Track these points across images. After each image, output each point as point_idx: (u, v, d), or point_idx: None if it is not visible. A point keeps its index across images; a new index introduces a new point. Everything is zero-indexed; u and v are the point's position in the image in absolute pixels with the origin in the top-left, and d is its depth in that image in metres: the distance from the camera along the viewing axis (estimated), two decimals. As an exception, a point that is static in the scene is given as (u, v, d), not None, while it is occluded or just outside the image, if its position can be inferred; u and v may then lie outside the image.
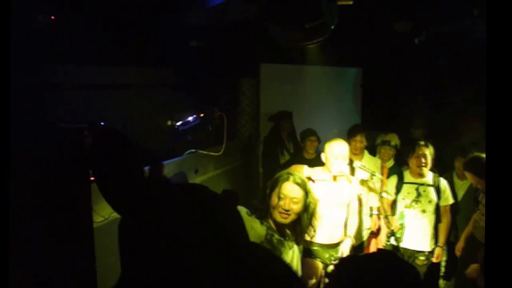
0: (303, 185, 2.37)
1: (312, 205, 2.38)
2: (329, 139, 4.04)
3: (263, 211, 2.32)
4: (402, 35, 4.37)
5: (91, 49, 4.01)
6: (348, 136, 4.23)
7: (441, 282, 4.39)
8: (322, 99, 5.81)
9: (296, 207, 2.30)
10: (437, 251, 3.93)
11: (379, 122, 5.75)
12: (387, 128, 5.46)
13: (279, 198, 2.29)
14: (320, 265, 3.36)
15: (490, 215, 1.11)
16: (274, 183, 2.38)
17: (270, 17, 2.86)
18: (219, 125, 3.52)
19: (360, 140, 4.24)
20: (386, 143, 4.49)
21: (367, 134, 5.18)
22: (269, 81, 5.70)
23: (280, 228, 2.31)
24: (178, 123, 3.09)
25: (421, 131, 4.99)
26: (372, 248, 4.30)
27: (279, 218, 2.27)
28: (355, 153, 4.14)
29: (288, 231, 2.35)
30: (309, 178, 3.28)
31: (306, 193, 2.36)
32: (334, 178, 3.39)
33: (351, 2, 3.00)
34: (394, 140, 4.48)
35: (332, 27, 2.98)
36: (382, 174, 4.29)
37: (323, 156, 3.46)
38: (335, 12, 3.00)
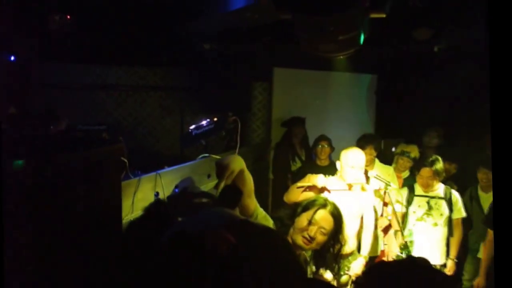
0: (338, 219, 2.20)
1: (339, 245, 2.21)
2: (342, 146, 3.98)
3: (288, 227, 2.18)
4: (421, 43, 4.30)
5: (103, 50, 4.02)
6: (358, 146, 4.03)
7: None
8: (335, 105, 5.76)
9: (321, 238, 2.12)
10: (450, 263, 3.84)
11: (393, 130, 5.68)
12: (400, 135, 5.40)
13: (309, 222, 2.12)
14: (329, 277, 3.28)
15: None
16: (308, 205, 2.21)
17: (304, 28, 2.82)
18: (232, 130, 3.46)
19: (369, 152, 4.12)
20: (405, 154, 4.41)
21: (385, 143, 5.13)
22: (282, 85, 5.66)
23: (297, 249, 2.13)
24: (192, 127, 3.04)
25: (436, 141, 4.89)
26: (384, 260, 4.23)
27: (300, 242, 2.11)
28: (365, 164, 4.02)
29: (304, 254, 2.20)
30: (325, 188, 3.22)
31: (339, 228, 2.20)
32: (350, 187, 3.33)
33: (384, 15, 2.95)
34: (414, 152, 4.40)
35: (363, 38, 2.95)
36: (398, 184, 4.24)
37: (338, 164, 3.40)
38: (367, 25, 2.97)
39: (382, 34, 4.14)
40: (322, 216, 2.15)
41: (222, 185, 1.77)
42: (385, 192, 3.63)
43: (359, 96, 5.91)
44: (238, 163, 1.84)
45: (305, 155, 5.26)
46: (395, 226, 3.74)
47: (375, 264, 1.28)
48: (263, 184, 5.52)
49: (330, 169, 4.51)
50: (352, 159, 3.29)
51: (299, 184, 3.36)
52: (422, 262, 1.20)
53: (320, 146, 4.60)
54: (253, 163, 5.24)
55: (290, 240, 2.12)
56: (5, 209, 1.09)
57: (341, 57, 3.37)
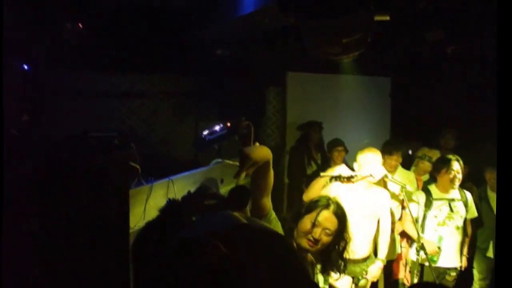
0: (342, 218, 2.14)
1: (344, 243, 2.14)
2: (358, 149, 3.93)
3: (292, 230, 2.12)
4: (433, 44, 4.24)
5: (116, 57, 4.07)
6: (384, 152, 3.97)
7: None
8: (350, 109, 5.72)
9: (326, 239, 2.06)
10: (463, 260, 3.85)
11: (408, 132, 5.61)
12: (415, 138, 5.33)
13: (313, 225, 2.06)
14: (348, 281, 3.25)
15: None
16: (311, 206, 2.15)
17: (307, 31, 2.81)
18: (246, 135, 3.45)
19: (396, 159, 4.05)
20: (427, 158, 4.37)
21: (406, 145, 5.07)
22: (296, 90, 5.65)
23: (302, 252, 2.08)
24: (205, 133, 3.04)
25: (453, 143, 4.82)
26: (402, 263, 4.16)
27: (305, 244, 2.05)
28: (390, 170, 3.93)
29: (311, 257, 2.15)
30: (341, 178, 3.19)
31: (343, 227, 2.14)
32: (364, 179, 3.26)
33: (388, 18, 2.92)
34: (436, 156, 4.35)
35: (368, 40, 2.92)
36: (417, 187, 4.17)
37: (356, 165, 3.35)
38: (371, 27, 2.93)
39: (394, 36, 4.10)
40: (326, 217, 2.09)
41: (242, 175, 1.72)
42: (404, 196, 3.56)
43: (374, 98, 5.85)
44: (263, 154, 1.77)
45: (320, 159, 5.23)
46: (413, 232, 3.68)
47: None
48: (278, 188, 5.50)
49: (345, 173, 4.48)
50: (370, 156, 3.26)
51: (322, 174, 3.33)
52: None
53: (335, 150, 4.58)
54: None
55: (294, 243, 2.08)
56: (8, 213, 1.11)
57: (347, 60, 3.33)
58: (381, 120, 5.92)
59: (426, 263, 3.57)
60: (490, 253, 4.03)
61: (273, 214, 2.02)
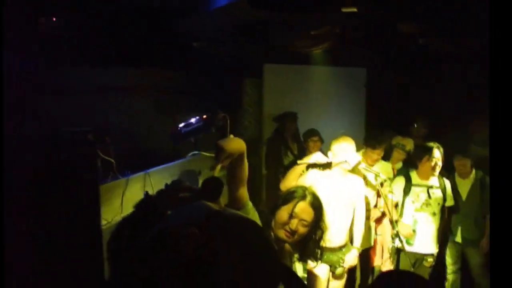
0: (319, 208, 2.18)
1: (321, 232, 2.19)
2: (333, 139, 3.95)
3: (270, 222, 2.14)
4: (407, 37, 4.32)
5: (94, 53, 4.02)
6: (367, 146, 4.02)
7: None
8: (326, 100, 5.79)
9: (303, 230, 2.10)
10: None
11: (383, 122, 5.72)
12: (390, 127, 5.45)
13: (290, 216, 2.10)
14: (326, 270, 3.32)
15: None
16: (288, 198, 2.18)
17: (277, 25, 2.84)
18: (222, 127, 3.48)
19: (378, 153, 4.03)
20: (401, 146, 4.47)
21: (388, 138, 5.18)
22: (272, 81, 5.68)
23: (279, 243, 2.12)
24: (181, 125, 3.05)
25: (424, 131, 4.98)
26: (378, 250, 4.27)
27: (282, 235, 2.08)
28: (371, 164, 3.97)
29: (288, 246, 2.19)
30: (317, 165, 3.23)
31: (319, 217, 2.18)
32: (339, 165, 3.30)
33: (355, 10, 2.96)
34: (409, 145, 4.46)
35: (337, 32, 2.97)
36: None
37: (330, 154, 3.40)
38: (339, 19, 2.98)
39: (369, 28, 4.16)
40: (302, 209, 2.12)
41: (218, 168, 1.76)
42: (381, 184, 3.64)
43: (349, 89, 5.94)
44: (237, 146, 1.79)
45: (297, 149, 5.29)
46: (390, 216, 3.78)
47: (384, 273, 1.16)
48: (256, 179, 5.55)
49: (322, 162, 4.55)
50: (346, 147, 3.30)
51: (299, 161, 3.35)
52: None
53: (311, 140, 4.64)
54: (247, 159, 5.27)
55: (272, 234, 2.10)
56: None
57: (318, 51, 3.37)
58: (357, 110, 6.00)
59: (407, 248, 3.64)
60: (459, 238, 4.17)
61: (250, 205, 2.05)
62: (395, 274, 1.24)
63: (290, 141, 5.34)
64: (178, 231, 0.99)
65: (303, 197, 2.17)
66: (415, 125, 4.99)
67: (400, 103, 5.71)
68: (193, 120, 3.22)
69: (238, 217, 1.18)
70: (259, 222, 2.10)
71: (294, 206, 2.13)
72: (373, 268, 4.34)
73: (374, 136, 4.15)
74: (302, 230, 2.10)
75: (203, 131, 3.26)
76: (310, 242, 2.19)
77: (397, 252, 3.80)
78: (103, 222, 2.16)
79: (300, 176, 3.37)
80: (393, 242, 3.78)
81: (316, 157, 3.30)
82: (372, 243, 4.17)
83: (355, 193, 3.42)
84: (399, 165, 4.51)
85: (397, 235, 3.58)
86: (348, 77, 5.96)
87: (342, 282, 3.41)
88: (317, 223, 2.17)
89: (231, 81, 5.26)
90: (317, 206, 2.18)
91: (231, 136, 2.04)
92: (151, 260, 1.02)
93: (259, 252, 1.11)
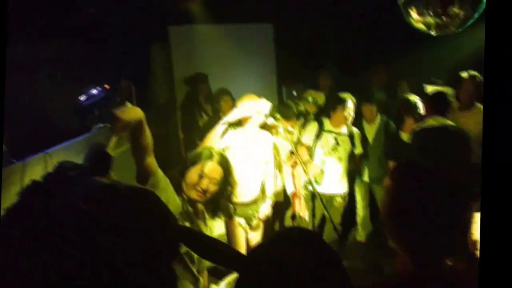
0: (226, 166, 2.27)
1: (230, 188, 2.29)
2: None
3: (181, 184, 2.19)
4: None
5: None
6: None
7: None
8: (236, 58, 5.79)
9: (214, 188, 2.19)
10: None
11: (293, 76, 5.91)
12: (301, 81, 5.66)
13: (200, 176, 2.16)
14: (241, 224, 3.46)
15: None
16: (195, 159, 2.23)
17: None
18: (128, 96, 3.39)
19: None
20: (313, 100, 4.70)
21: (286, 88, 5.34)
22: (179, 44, 5.55)
23: (193, 203, 2.20)
24: (82, 98, 2.91)
25: (329, 82, 5.24)
26: (298, 197, 4.51)
27: (194, 195, 2.15)
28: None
29: (200, 207, 2.26)
30: (230, 124, 3.26)
31: (227, 174, 2.27)
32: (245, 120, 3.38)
33: None
34: (321, 99, 4.68)
35: None
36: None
37: (237, 111, 3.34)
38: None
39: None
40: (211, 168, 2.20)
41: (114, 139, 1.73)
42: (288, 136, 3.80)
43: (258, 46, 5.99)
44: (133, 114, 1.78)
45: (211, 110, 5.30)
46: (300, 162, 4.00)
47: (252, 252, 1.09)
48: (174, 144, 5.52)
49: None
50: (250, 104, 3.31)
51: (225, 119, 3.27)
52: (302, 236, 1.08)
53: (222, 100, 4.66)
54: (161, 125, 5.19)
55: (185, 196, 2.18)
56: None
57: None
58: (267, 66, 6.10)
59: (317, 188, 3.87)
60: (366, 178, 4.57)
61: (160, 172, 2.07)
62: (295, 230, 1.32)
63: (204, 103, 5.33)
64: (62, 206, 0.99)
65: (210, 157, 2.24)
66: (320, 77, 5.23)
67: (308, 57, 5.89)
68: (94, 91, 3.08)
69: (131, 188, 1.19)
70: (170, 187, 2.14)
71: (203, 166, 2.19)
72: (294, 213, 4.59)
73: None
74: (212, 188, 2.19)
75: (106, 102, 3.15)
76: (221, 199, 2.29)
77: (312, 198, 4.06)
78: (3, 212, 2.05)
79: (217, 137, 3.39)
80: (307, 189, 4.04)
81: (229, 116, 3.32)
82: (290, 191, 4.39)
83: (266, 147, 3.55)
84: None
85: (309, 181, 3.82)
86: (255, 33, 5.99)
87: (259, 232, 3.60)
88: (226, 180, 2.27)
89: (136, 47, 5.04)
90: (224, 163, 2.27)
91: (128, 104, 2.01)
92: (41, 242, 1.01)
93: (153, 218, 1.14)
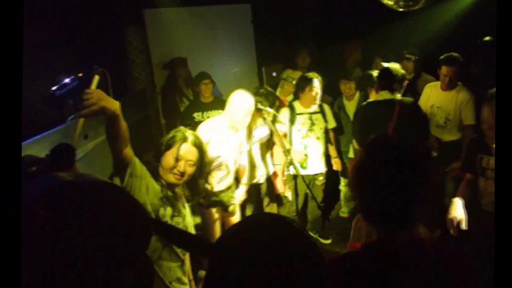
0: (200, 147, 2.28)
1: (207, 167, 2.34)
2: (226, 80, 3.84)
3: (157, 169, 2.21)
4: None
5: None
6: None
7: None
8: (214, 40, 5.71)
9: (191, 170, 2.21)
10: (335, 161, 4.35)
11: (272, 56, 5.86)
12: (282, 61, 5.62)
13: (176, 159, 2.18)
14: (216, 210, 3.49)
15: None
16: (170, 142, 2.24)
17: None
18: (103, 83, 3.31)
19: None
20: (291, 79, 4.66)
21: (265, 69, 5.30)
22: (155, 27, 5.43)
23: (171, 187, 2.22)
24: (54, 88, 2.84)
25: (308, 61, 5.22)
26: (279, 178, 4.53)
27: (172, 179, 2.17)
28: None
29: (178, 191, 2.29)
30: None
31: (202, 154, 2.29)
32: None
33: None
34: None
35: None
36: (283, 106, 4.43)
37: (229, 109, 3.38)
38: None
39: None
40: (187, 150, 2.22)
41: (81, 122, 1.70)
42: (274, 118, 3.81)
43: (236, 27, 5.90)
44: (112, 104, 1.74)
45: (192, 94, 5.25)
46: (282, 146, 4.01)
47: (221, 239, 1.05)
48: (156, 130, 5.47)
49: (215, 105, 4.61)
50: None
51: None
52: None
53: (202, 83, 4.60)
54: (140, 111, 5.12)
55: (163, 181, 2.19)
56: None
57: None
58: (246, 47, 6.04)
59: (301, 172, 3.90)
60: (351, 154, 4.60)
61: (137, 160, 2.06)
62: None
63: (184, 87, 5.26)
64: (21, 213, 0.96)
65: (185, 139, 2.25)
66: (299, 56, 5.20)
67: (286, 37, 5.85)
68: (67, 80, 3.02)
69: (96, 182, 1.17)
70: (148, 174, 2.13)
71: (178, 149, 2.20)
72: (277, 194, 4.63)
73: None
74: (190, 170, 2.22)
75: (81, 90, 3.09)
76: (199, 180, 2.32)
77: (294, 178, 4.08)
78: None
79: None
80: (288, 170, 4.06)
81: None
82: (271, 174, 4.41)
83: (242, 136, 3.55)
84: (290, 97, 4.73)
85: (290, 163, 3.83)
86: (233, 14, 5.90)
87: (236, 217, 3.62)
88: (202, 160, 2.30)
89: (110, 32, 4.93)
90: (198, 144, 2.30)
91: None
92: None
93: (121, 212, 1.12)
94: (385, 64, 3.69)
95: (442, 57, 3.91)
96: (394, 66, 3.62)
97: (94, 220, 1.04)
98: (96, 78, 1.83)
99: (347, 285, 1.31)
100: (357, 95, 4.52)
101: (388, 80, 3.52)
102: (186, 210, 2.31)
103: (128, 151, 1.97)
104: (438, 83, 4.03)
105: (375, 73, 4.02)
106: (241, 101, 3.33)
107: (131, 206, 1.18)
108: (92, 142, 3.32)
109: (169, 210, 2.14)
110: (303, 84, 4.04)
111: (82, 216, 1.03)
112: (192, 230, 2.35)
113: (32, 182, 1.13)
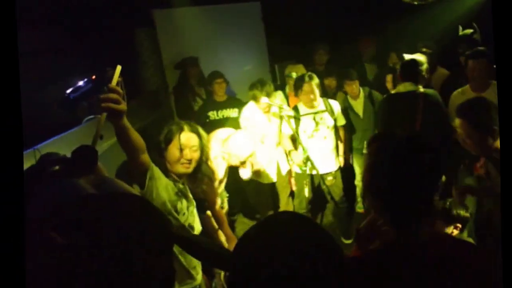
0: (197, 132, 2.33)
1: (206, 148, 2.37)
2: (239, 78, 3.76)
3: (164, 165, 2.23)
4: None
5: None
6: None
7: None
8: (225, 39, 5.67)
9: (196, 155, 2.27)
10: (341, 161, 4.26)
11: (285, 53, 5.82)
12: (294, 57, 5.57)
13: (180, 149, 2.21)
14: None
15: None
16: (168, 136, 2.26)
17: None
18: (117, 84, 3.30)
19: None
20: (291, 74, 4.60)
21: (278, 66, 5.24)
22: (166, 27, 5.42)
23: (181, 178, 2.29)
24: (68, 91, 2.86)
25: (325, 58, 5.16)
26: (292, 177, 4.48)
27: (181, 169, 2.22)
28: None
29: (179, 185, 2.31)
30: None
31: (201, 138, 2.33)
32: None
33: None
34: (300, 70, 4.57)
35: None
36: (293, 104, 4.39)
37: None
38: None
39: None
40: (187, 137, 2.26)
41: (103, 116, 1.65)
42: (281, 115, 3.77)
43: (246, 25, 5.86)
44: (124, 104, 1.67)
45: (205, 93, 5.23)
46: (288, 147, 4.02)
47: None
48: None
49: (229, 104, 4.59)
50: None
51: None
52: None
53: (215, 82, 4.58)
54: (153, 112, 5.12)
55: (173, 175, 2.23)
56: None
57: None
58: (257, 45, 5.99)
59: (314, 171, 3.86)
60: (365, 150, 4.52)
61: (153, 166, 2.07)
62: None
63: (197, 87, 5.24)
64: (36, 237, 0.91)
65: (181, 129, 2.28)
66: (316, 53, 5.15)
67: (297, 33, 5.79)
68: (81, 82, 3.03)
69: (117, 194, 1.10)
70: (162, 173, 2.13)
71: (179, 140, 2.23)
72: (292, 191, 4.58)
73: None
74: (195, 155, 2.28)
75: (95, 92, 3.10)
76: (203, 165, 2.37)
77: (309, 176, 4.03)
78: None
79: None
80: (301, 168, 4.00)
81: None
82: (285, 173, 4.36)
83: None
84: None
85: (305, 161, 3.78)
86: (243, 13, 5.86)
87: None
88: (203, 144, 2.34)
89: (120, 34, 4.94)
90: (195, 130, 2.33)
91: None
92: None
93: (146, 226, 1.06)
94: (409, 56, 3.63)
95: (467, 52, 3.71)
96: (420, 57, 3.57)
97: (115, 239, 0.97)
98: (118, 69, 1.74)
99: (369, 283, 1.28)
100: (362, 92, 4.51)
101: (413, 71, 3.48)
102: (191, 196, 2.38)
103: (146, 157, 1.96)
104: (465, 88, 3.64)
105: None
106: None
107: (155, 223, 1.10)
108: (108, 141, 3.31)
109: (184, 202, 2.23)
110: (299, 82, 3.97)
111: (102, 236, 0.96)
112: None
113: (53, 189, 1.07)
